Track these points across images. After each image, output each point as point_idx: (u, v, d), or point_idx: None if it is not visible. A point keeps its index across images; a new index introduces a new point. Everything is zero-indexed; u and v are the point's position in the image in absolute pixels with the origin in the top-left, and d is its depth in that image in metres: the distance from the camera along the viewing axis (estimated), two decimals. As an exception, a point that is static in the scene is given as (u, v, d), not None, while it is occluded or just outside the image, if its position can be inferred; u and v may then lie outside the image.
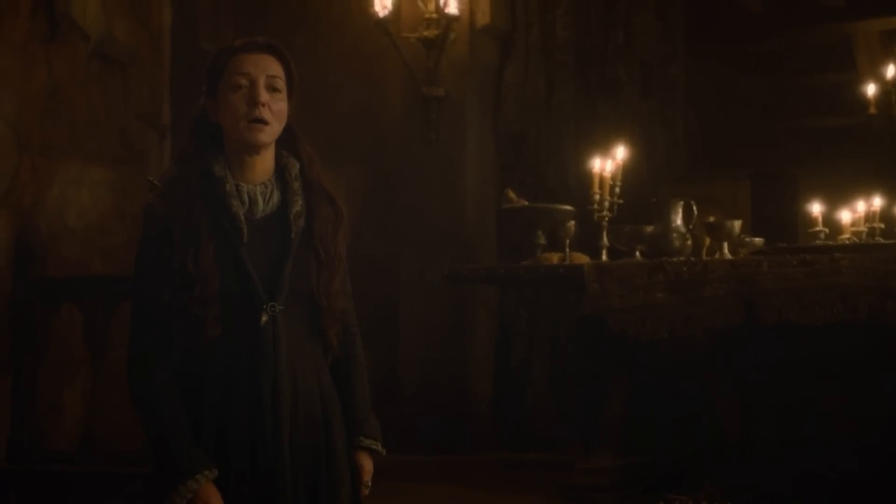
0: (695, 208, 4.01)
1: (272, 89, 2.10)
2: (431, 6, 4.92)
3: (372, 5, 4.90)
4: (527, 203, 4.24)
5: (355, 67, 5.21)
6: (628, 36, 5.17)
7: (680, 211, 3.95)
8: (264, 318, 2.01)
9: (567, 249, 4.19)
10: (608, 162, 4.12)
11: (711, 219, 4.02)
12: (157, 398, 2.01)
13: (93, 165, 4.96)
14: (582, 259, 4.14)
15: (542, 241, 4.17)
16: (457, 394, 5.06)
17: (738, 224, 3.88)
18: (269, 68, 2.11)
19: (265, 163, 2.13)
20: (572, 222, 4.20)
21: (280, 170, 2.14)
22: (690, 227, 4.02)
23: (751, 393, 4.12)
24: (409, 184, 5.09)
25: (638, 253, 4.02)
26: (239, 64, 2.10)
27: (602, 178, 4.08)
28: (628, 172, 4.23)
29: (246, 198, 2.09)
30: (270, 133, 2.10)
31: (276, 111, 2.10)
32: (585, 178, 4.45)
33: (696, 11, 5.26)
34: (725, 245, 3.85)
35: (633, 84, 5.18)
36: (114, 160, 5.05)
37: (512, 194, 4.27)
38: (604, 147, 4.31)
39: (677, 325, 3.71)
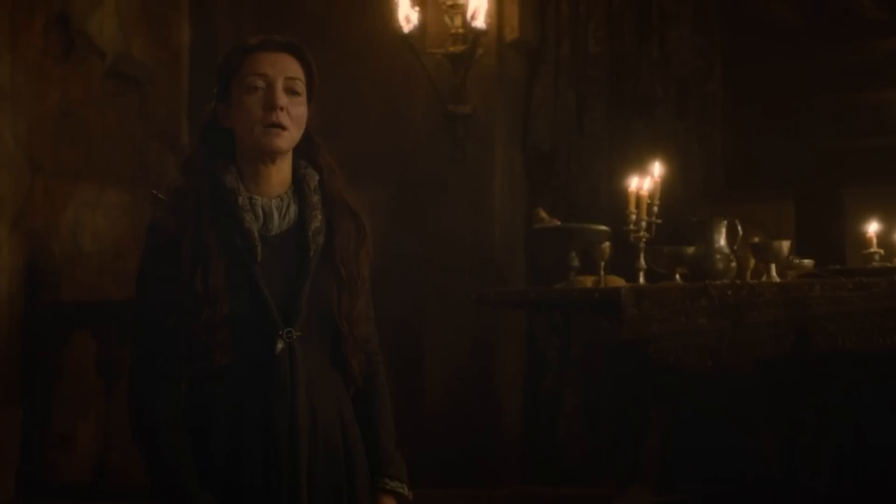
0: (739, 228, 3.80)
1: (291, 92, 1.93)
2: (458, 21, 4.77)
3: (396, 21, 4.76)
4: (559, 223, 4.05)
5: (379, 85, 5.09)
6: (663, 51, 4.99)
7: (723, 231, 3.75)
8: (280, 346, 1.83)
9: (602, 272, 3.99)
10: (645, 179, 3.93)
11: (756, 239, 3.81)
12: (161, 435, 1.84)
13: (108, 187, 4.85)
14: (617, 282, 3.95)
15: (576, 262, 3.98)
16: (484, 424, 4.87)
17: (786, 244, 3.67)
18: (287, 69, 1.93)
19: (281, 173, 1.95)
20: (607, 243, 4.00)
21: (297, 181, 1.96)
22: (735, 248, 3.81)
23: (797, 425, 3.90)
24: (434, 204, 4.94)
25: (678, 276, 3.83)
26: (255, 64, 1.92)
27: (639, 197, 3.88)
28: (664, 193, 4.05)
29: (260, 212, 1.91)
30: (288, 139, 1.92)
31: (294, 116, 1.92)
32: (619, 197, 4.27)
33: (734, 26, 5.06)
34: (773, 267, 3.64)
35: (669, 101, 5.00)
36: (130, 182, 4.91)
37: (543, 213, 4.08)
38: (638, 166, 4.14)
39: (722, 353, 3.51)
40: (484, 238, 4.90)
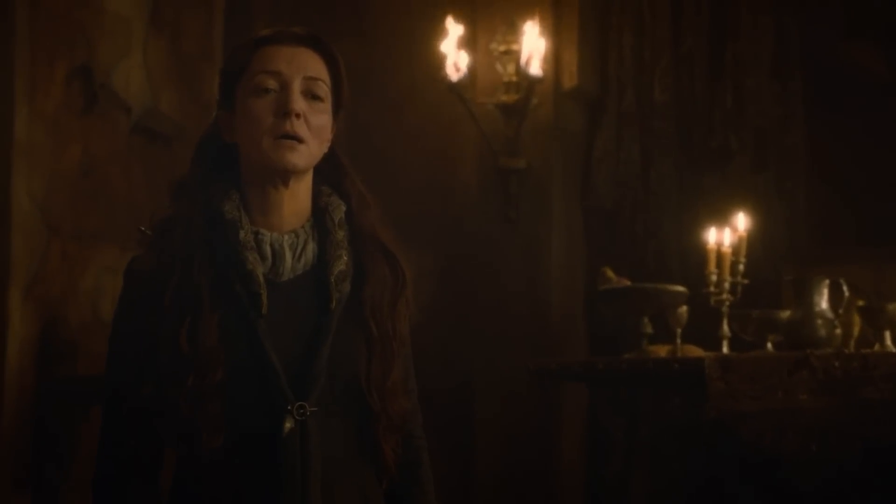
0: (845, 289, 3.33)
1: (311, 96, 1.51)
2: (511, 68, 4.42)
3: (444, 68, 4.41)
4: (629, 283, 3.60)
5: (425, 140, 4.77)
6: (738, 99, 4.57)
7: (825, 292, 3.27)
8: (289, 425, 1.39)
9: (678, 340, 3.53)
10: (724, 233, 3.49)
11: (861, 302, 3.33)
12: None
13: (132, 251, 4.52)
14: (696, 352, 3.50)
15: (649, 329, 3.53)
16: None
17: (904, 308, 3.19)
18: (307, 67, 1.51)
19: (297, 201, 1.52)
20: (684, 307, 3.55)
21: (319, 213, 1.53)
22: (839, 311, 3.33)
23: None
24: (485, 268, 4.57)
25: (770, 344, 3.36)
26: (266, 60, 1.50)
27: (720, 254, 3.43)
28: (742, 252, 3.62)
29: (268, 250, 1.48)
30: (306, 155, 1.50)
31: (315, 127, 1.50)
32: (691, 259, 3.88)
33: (818, 72, 4.63)
34: (887, 334, 3.15)
35: (745, 153, 4.56)
36: (156, 245, 4.58)
37: (610, 273, 3.65)
38: (712, 224, 3.73)
39: (829, 437, 3.01)
40: (540, 304, 4.50)
